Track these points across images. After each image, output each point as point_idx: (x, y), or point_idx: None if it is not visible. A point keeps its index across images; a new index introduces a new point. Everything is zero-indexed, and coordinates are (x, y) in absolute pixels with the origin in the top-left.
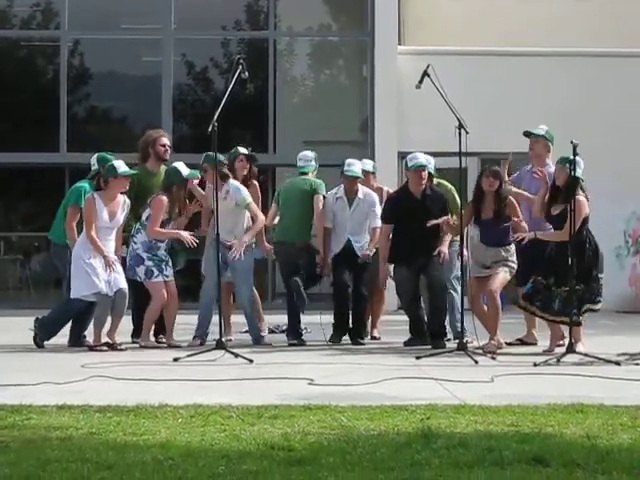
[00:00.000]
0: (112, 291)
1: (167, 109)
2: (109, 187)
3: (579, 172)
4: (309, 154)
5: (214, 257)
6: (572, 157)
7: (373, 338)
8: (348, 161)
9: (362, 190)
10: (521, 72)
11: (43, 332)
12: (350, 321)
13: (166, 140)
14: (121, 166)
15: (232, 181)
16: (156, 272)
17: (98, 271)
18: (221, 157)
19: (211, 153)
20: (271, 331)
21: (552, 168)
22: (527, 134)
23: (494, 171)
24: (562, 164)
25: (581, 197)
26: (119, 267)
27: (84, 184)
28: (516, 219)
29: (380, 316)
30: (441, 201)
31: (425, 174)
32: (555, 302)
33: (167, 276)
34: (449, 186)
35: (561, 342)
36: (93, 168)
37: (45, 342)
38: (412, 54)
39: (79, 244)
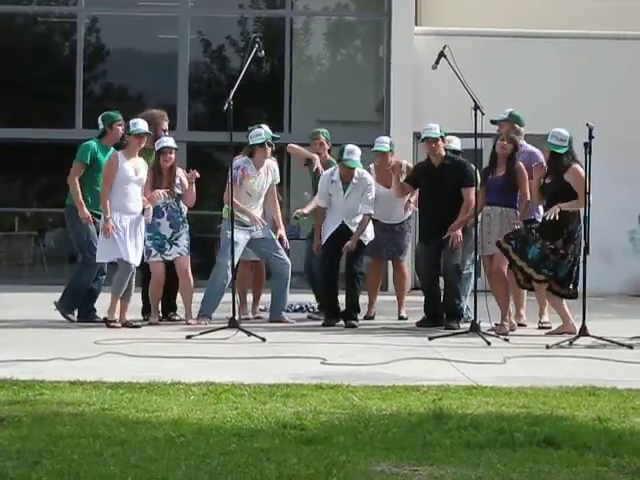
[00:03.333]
0: (137, 260)
1: (183, 86)
2: (128, 144)
3: (563, 145)
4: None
5: (232, 237)
6: (588, 140)
7: (400, 318)
8: (348, 148)
9: (357, 173)
10: (536, 54)
11: (63, 306)
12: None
13: (167, 126)
14: (136, 123)
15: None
16: (154, 252)
17: (125, 238)
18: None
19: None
20: (299, 308)
21: (528, 147)
22: (492, 122)
23: (509, 137)
24: (545, 145)
25: (577, 165)
26: (140, 240)
27: (91, 141)
28: (523, 193)
29: (405, 295)
30: (460, 170)
31: (438, 145)
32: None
33: (169, 255)
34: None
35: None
36: (100, 127)
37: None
38: (428, 35)
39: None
